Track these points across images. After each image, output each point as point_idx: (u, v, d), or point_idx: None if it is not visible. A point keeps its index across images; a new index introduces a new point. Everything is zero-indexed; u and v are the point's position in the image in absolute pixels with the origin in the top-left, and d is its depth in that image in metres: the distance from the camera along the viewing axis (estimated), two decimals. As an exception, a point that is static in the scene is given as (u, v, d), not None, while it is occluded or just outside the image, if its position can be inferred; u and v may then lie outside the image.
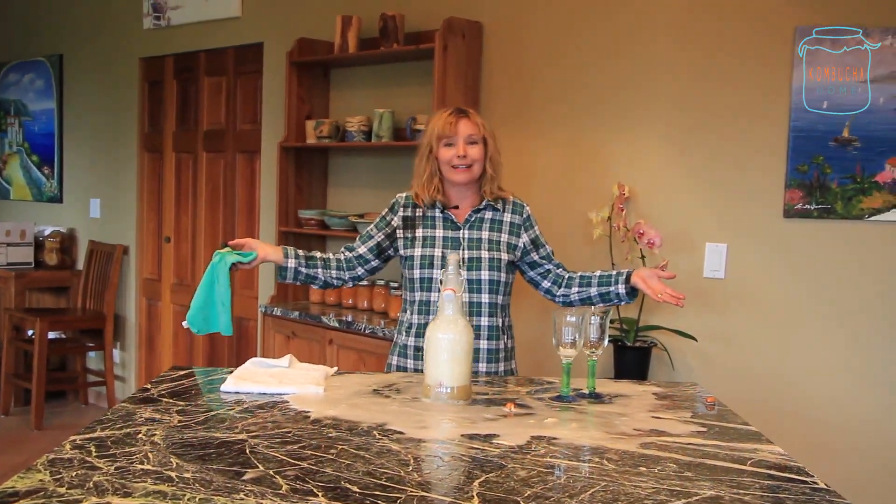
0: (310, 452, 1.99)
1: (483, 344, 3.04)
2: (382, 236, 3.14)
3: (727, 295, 3.87)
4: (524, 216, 3.13)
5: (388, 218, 3.15)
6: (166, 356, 6.42)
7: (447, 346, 2.45)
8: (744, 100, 3.80)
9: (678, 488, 1.87)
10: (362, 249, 3.14)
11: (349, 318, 4.55)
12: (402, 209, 3.14)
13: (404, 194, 3.18)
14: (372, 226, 3.17)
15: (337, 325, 4.55)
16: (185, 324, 2.85)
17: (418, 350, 3.07)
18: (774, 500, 1.84)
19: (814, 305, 3.81)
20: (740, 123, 3.81)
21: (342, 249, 3.18)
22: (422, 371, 3.01)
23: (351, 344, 4.48)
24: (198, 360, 6.13)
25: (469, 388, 2.50)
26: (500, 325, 3.08)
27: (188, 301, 2.86)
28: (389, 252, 3.15)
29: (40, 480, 1.79)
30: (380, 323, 4.44)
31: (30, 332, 6.42)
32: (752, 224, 3.83)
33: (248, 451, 1.98)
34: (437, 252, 3.03)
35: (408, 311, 3.14)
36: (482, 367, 3.04)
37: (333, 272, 3.13)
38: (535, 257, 3.12)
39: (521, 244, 3.10)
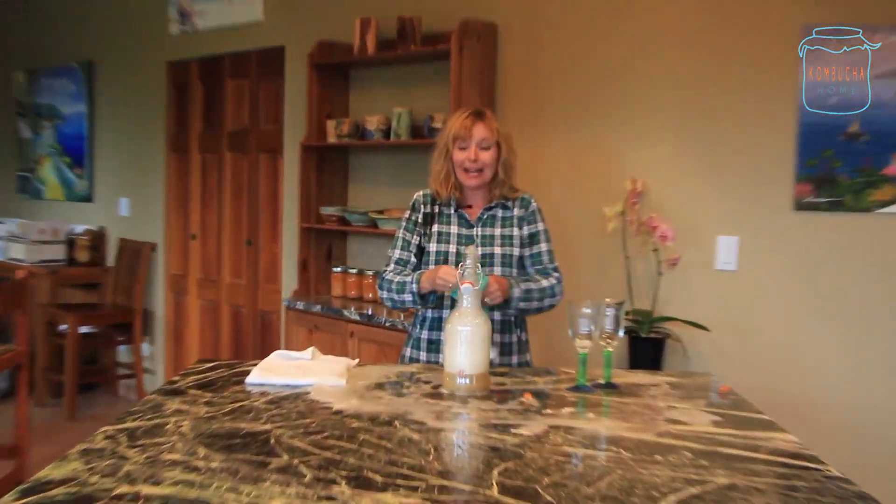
0: (332, 442, 1.98)
1: (495, 337, 3.02)
2: (418, 238, 3.12)
3: (739, 286, 3.84)
4: (529, 210, 3.11)
5: (413, 218, 3.13)
6: (193, 349, 6.43)
7: (466, 337, 2.45)
8: (754, 93, 3.76)
9: (693, 476, 1.85)
10: (413, 259, 3.10)
11: (370, 312, 4.54)
12: (423, 206, 3.13)
13: (422, 192, 3.17)
14: (402, 232, 3.13)
15: (358, 318, 4.54)
16: None
17: (431, 343, 3.07)
18: (788, 488, 1.82)
19: (824, 296, 3.77)
20: (750, 117, 3.77)
21: (392, 269, 3.09)
22: (434, 363, 3.00)
23: (372, 336, 4.47)
24: (223, 353, 6.14)
25: (487, 378, 2.50)
26: (512, 319, 3.07)
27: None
28: None
29: (74, 469, 1.79)
30: (399, 316, 4.43)
31: (62, 327, 6.44)
32: (763, 217, 3.80)
33: (272, 441, 1.98)
34: (452, 248, 3.03)
35: (420, 308, 3.12)
36: (494, 357, 3.02)
37: None
38: (525, 252, 3.09)
39: (523, 235, 3.08)
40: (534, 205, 3.13)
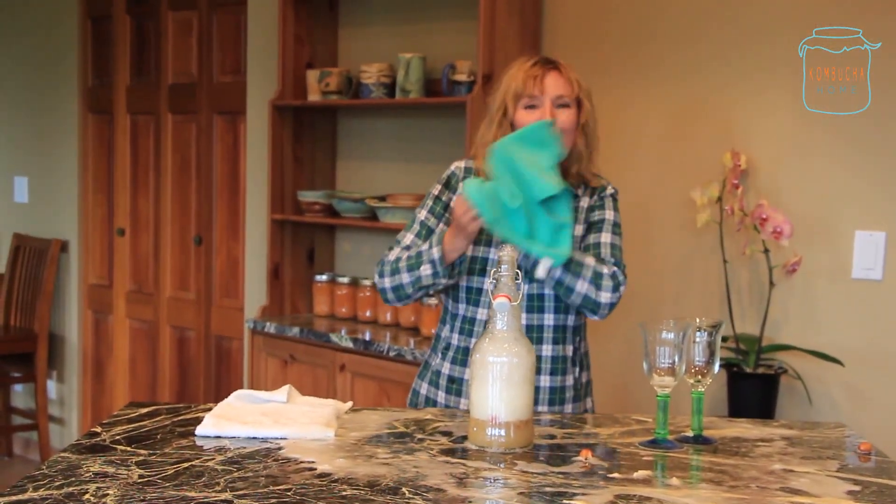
0: (316, 517, 1.99)
1: (544, 381, 3.05)
2: (444, 226, 3.11)
3: (886, 302, 3.83)
4: (601, 196, 3.12)
5: (445, 199, 3.14)
6: (121, 389, 6.47)
7: (501, 372, 2.45)
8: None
9: (818, 566, 1.86)
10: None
11: (367, 337, 4.56)
12: (461, 185, 3.12)
13: (463, 163, 3.18)
14: (424, 213, 3.14)
15: (351, 345, 4.57)
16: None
17: (452, 382, 3.10)
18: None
19: None
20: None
21: (396, 252, 3.10)
22: (454, 408, 3.02)
23: (370, 370, 4.49)
24: (164, 394, 6.17)
25: (530, 427, 2.50)
26: (570, 354, 3.10)
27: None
28: None
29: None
30: (408, 343, 4.44)
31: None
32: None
33: (233, 514, 1.99)
34: (493, 253, 3.03)
35: (447, 327, 3.15)
36: (542, 409, 3.04)
37: None
38: (588, 239, 3.09)
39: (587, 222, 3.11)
40: (610, 190, 3.14)
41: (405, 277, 3.01)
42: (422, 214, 3.14)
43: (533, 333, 3.02)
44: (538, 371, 3.01)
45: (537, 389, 3.02)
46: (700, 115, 4.13)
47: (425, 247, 2.98)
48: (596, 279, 2.95)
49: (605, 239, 3.07)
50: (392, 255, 3.08)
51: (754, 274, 3.98)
